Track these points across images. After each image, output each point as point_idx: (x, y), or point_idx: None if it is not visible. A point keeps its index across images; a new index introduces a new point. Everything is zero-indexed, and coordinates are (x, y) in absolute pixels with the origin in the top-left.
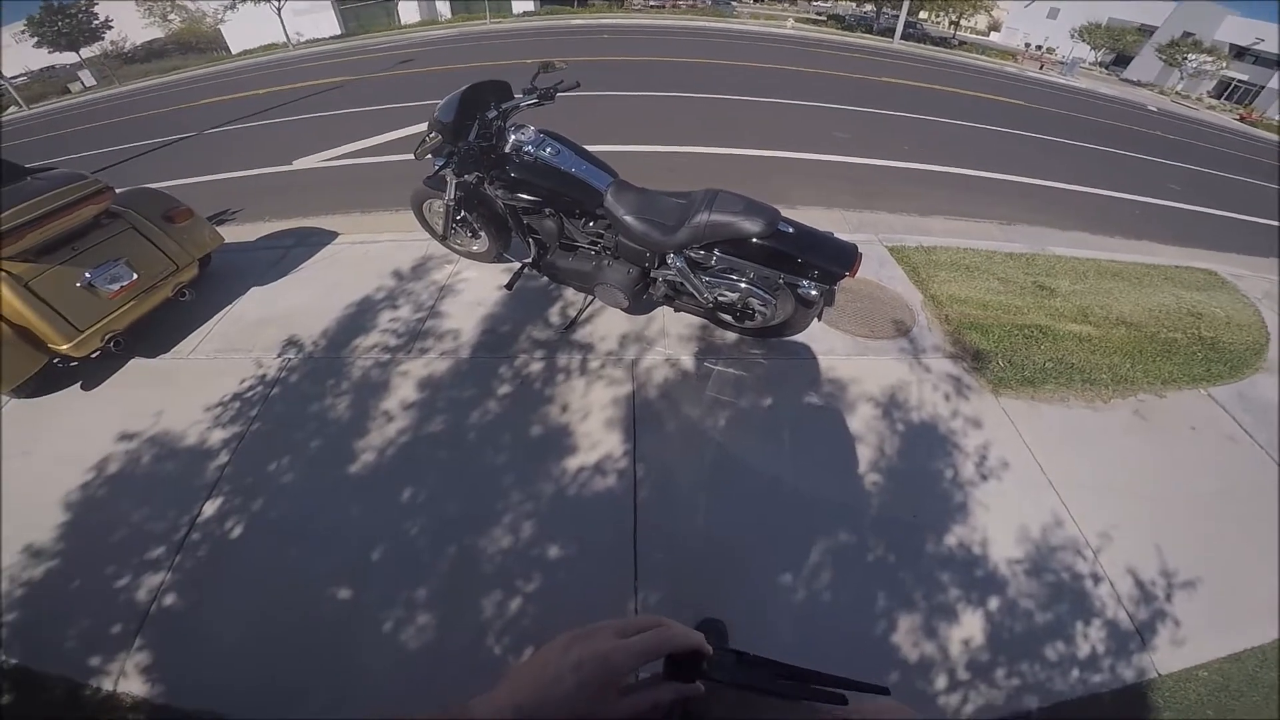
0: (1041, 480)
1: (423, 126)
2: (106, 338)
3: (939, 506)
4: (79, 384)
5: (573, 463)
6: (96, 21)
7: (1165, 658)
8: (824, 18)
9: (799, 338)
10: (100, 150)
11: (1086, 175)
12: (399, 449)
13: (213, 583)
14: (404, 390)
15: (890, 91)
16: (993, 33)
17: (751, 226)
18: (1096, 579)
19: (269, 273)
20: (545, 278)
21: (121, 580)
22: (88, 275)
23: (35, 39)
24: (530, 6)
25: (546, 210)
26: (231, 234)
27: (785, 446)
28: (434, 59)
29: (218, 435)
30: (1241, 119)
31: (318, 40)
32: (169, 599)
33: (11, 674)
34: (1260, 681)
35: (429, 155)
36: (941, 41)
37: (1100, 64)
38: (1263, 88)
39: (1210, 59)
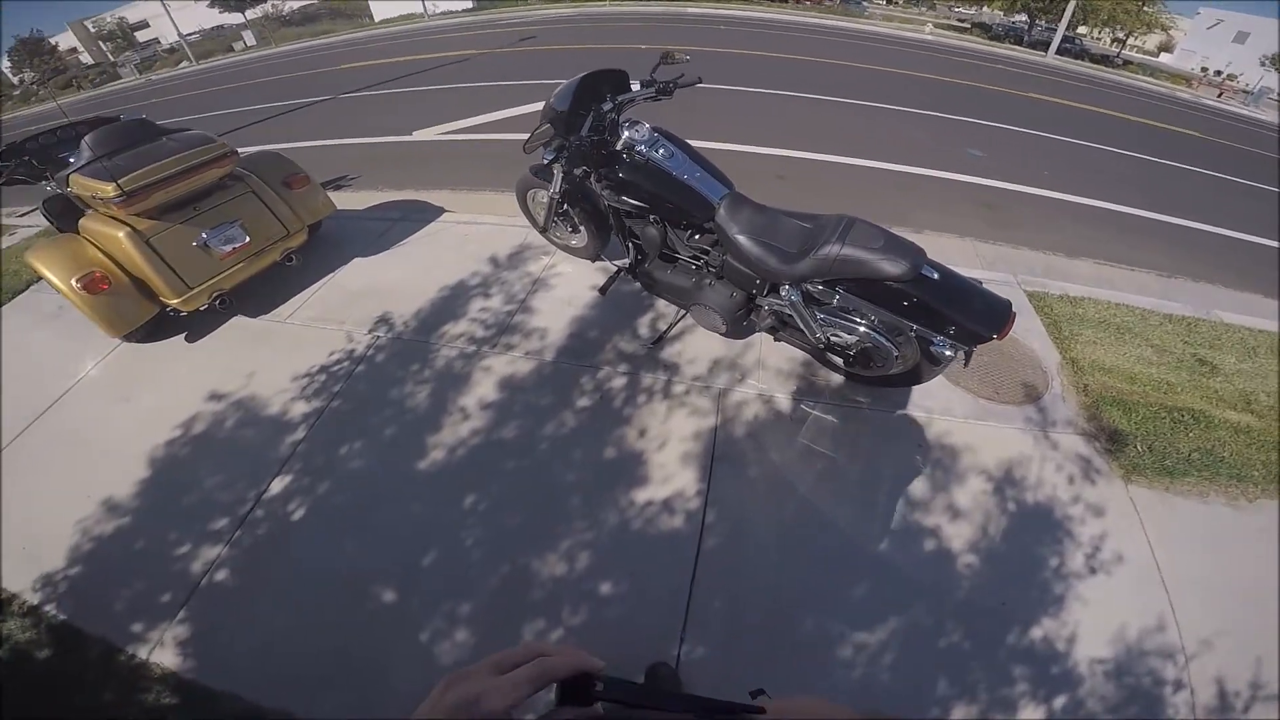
0: (1155, 578)
1: (535, 106)
2: (214, 296)
3: (1033, 596)
4: (184, 335)
5: (641, 495)
6: None
7: None
8: (967, 25)
9: (914, 390)
10: (248, 107)
11: (1268, 225)
12: (469, 450)
13: (265, 564)
14: (484, 388)
15: (1034, 109)
16: (1163, 54)
17: (891, 269)
18: (1178, 686)
19: (373, 244)
20: (639, 285)
21: (181, 548)
22: (204, 236)
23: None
24: None
25: (651, 217)
26: (344, 201)
27: (876, 511)
28: (554, 37)
29: (299, 408)
30: None
31: (450, 13)
32: (221, 574)
33: (57, 629)
34: None
35: (540, 147)
36: (1104, 60)
37: None
38: None
39: None
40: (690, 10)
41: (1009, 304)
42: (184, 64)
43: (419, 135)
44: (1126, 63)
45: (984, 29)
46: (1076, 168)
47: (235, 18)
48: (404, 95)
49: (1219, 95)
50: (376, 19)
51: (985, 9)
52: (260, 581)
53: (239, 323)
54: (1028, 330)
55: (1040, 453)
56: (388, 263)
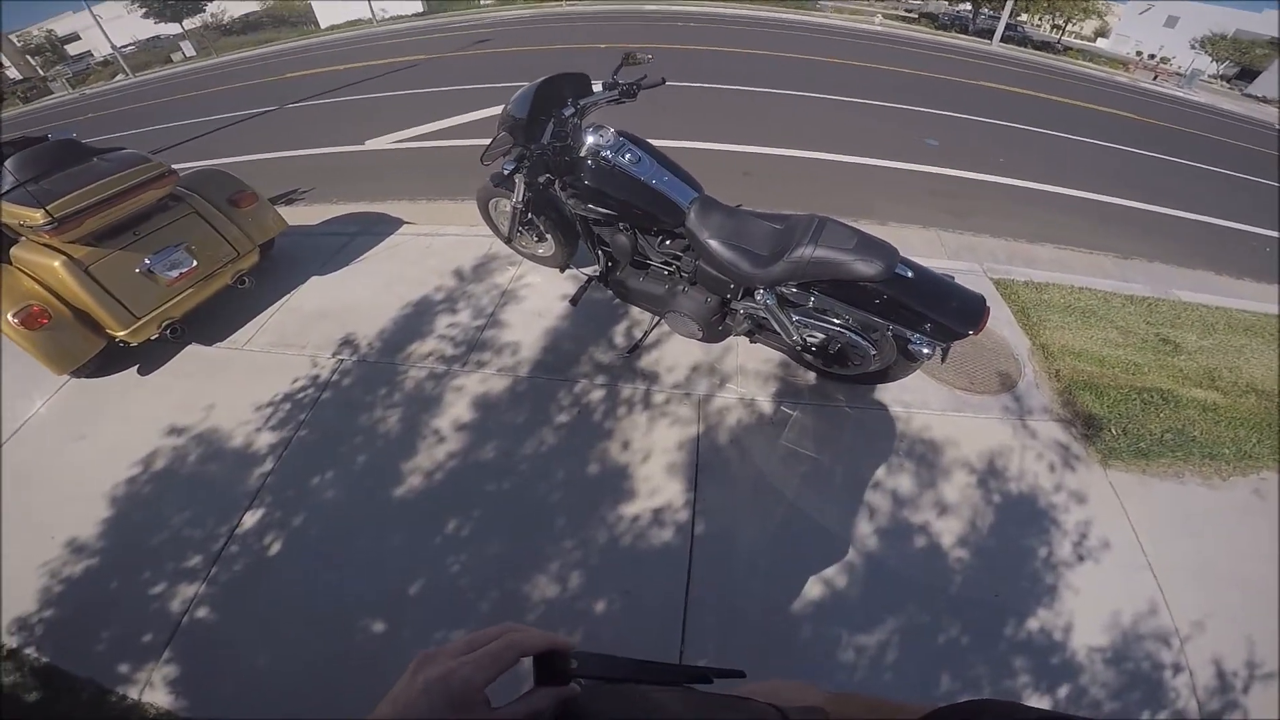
0: (1141, 562)
1: (493, 110)
2: (164, 325)
3: (1026, 587)
4: (136, 367)
5: (629, 509)
6: None
7: None
8: (915, 15)
9: (891, 386)
10: (188, 121)
11: (1210, 203)
12: (447, 474)
13: (247, 600)
14: (457, 408)
15: (985, 96)
16: (1100, 39)
17: (865, 269)
18: (1177, 669)
19: (330, 261)
20: (612, 293)
21: (157, 587)
22: (147, 262)
23: (144, 10)
24: None
25: (620, 224)
26: (296, 217)
27: (863, 510)
28: (510, 39)
29: (265, 439)
30: None
31: (400, 17)
32: (201, 611)
33: (42, 672)
34: None
35: (501, 157)
36: (1045, 46)
37: (1222, 77)
38: None
39: None
40: (648, 8)
41: (983, 299)
42: (119, 77)
43: (372, 144)
44: (1067, 49)
45: (931, 18)
46: (1029, 153)
47: (173, 28)
48: (354, 103)
49: (1154, 78)
50: (322, 25)
51: (931, 0)
52: (244, 617)
53: (194, 351)
54: (997, 319)
55: (1020, 441)
56: (347, 280)
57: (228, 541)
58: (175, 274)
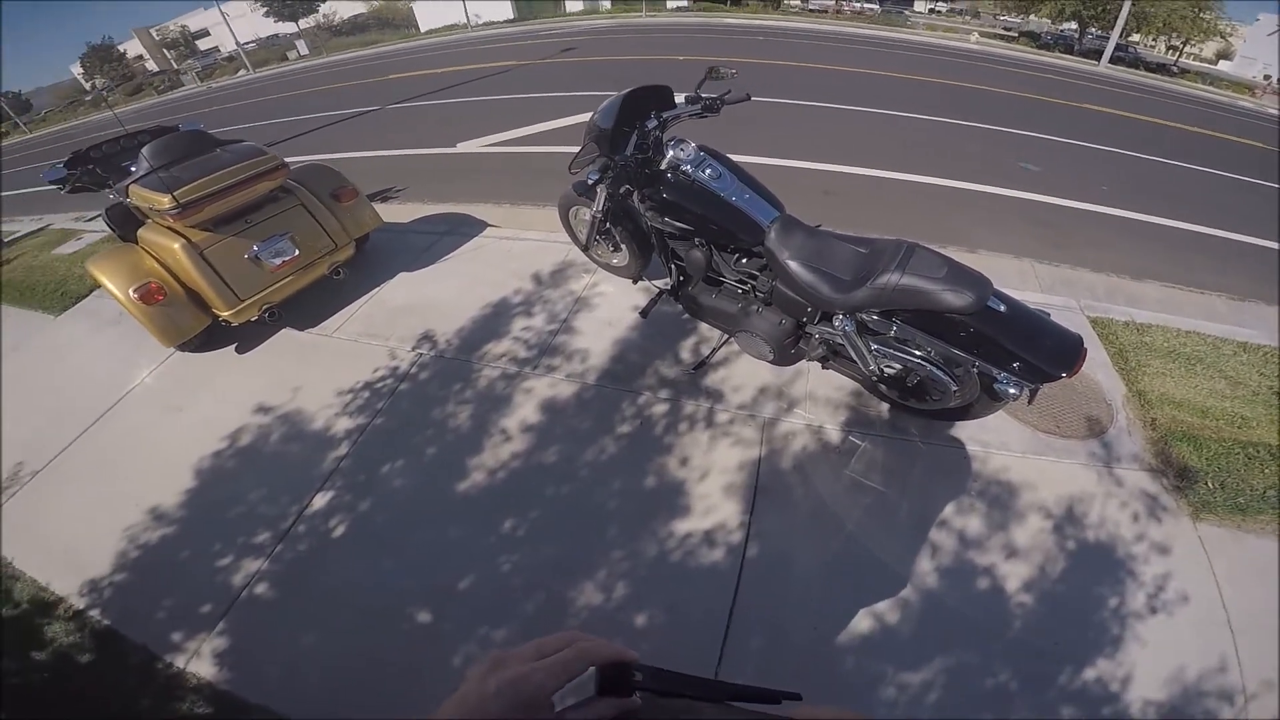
0: (1220, 618)
1: (577, 119)
2: (264, 309)
3: (1089, 636)
4: (234, 346)
5: (681, 526)
6: None
7: None
8: (1015, 34)
9: (969, 424)
10: (299, 116)
11: None
12: (509, 474)
13: (305, 581)
14: (525, 410)
15: (1090, 120)
16: (1222, 61)
17: (955, 300)
18: None
19: (418, 259)
20: (681, 308)
21: (223, 560)
22: (255, 249)
23: (265, 9)
24: (684, 2)
25: (696, 239)
26: (390, 214)
27: (927, 548)
28: (593, 49)
29: (343, 424)
30: None
31: (493, 23)
32: (260, 588)
33: (101, 634)
34: None
35: (586, 166)
36: (1160, 68)
37: None
38: None
39: None
40: (728, 21)
41: (1080, 340)
42: (241, 72)
43: (463, 147)
44: (1184, 71)
45: (1032, 38)
46: (1136, 182)
47: (289, 27)
48: (448, 106)
49: None
50: (422, 29)
51: (1032, 17)
52: (298, 597)
53: (287, 335)
54: (1092, 360)
55: (1104, 489)
56: (432, 278)
57: (296, 521)
58: (279, 261)
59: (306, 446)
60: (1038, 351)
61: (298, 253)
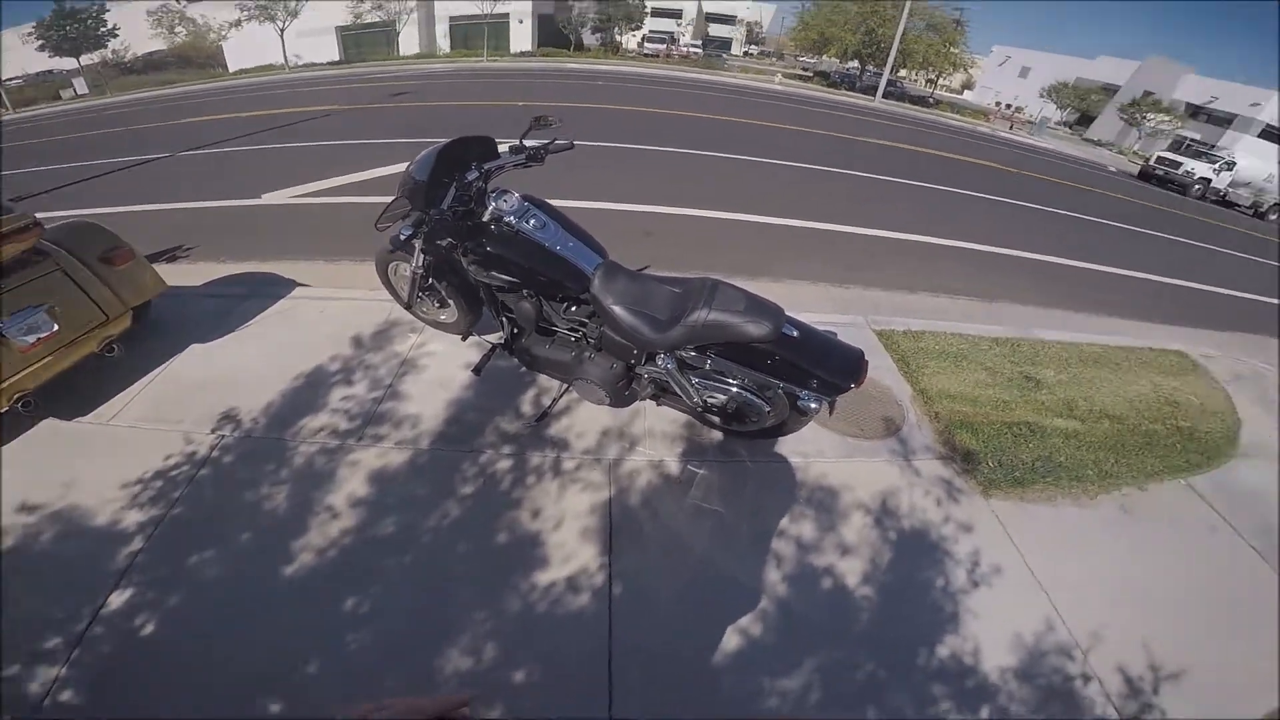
0: (1032, 583)
1: (404, 166)
2: (15, 398)
3: (932, 618)
4: None
5: (543, 577)
6: (104, 29)
7: None
8: (810, 74)
9: (788, 438)
10: (66, 164)
11: (1062, 245)
12: (342, 552)
13: (118, 684)
14: (352, 484)
15: (870, 152)
16: (966, 91)
17: (755, 330)
18: (1086, 679)
19: (214, 327)
20: (517, 361)
21: (9, 670)
22: (1, 325)
23: (40, 42)
24: (527, 46)
25: (524, 291)
26: (179, 276)
27: (773, 558)
28: (428, 93)
29: (133, 517)
30: None
31: (315, 65)
32: (65, 695)
33: None
34: None
35: (398, 220)
36: (920, 100)
37: (1065, 123)
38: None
39: (1167, 118)
40: (569, 66)
41: (861, 354)
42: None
43: (269, 198)
44: (938, 101)
45: (824, 76)
46: (906, 208)
47: (69, 62)
48: (256, 153)
49: (1010, 128)
50: (231, 69)
51: (824, 57)
52: (117, 699)
53: (51, 426)
54: (880, 367)
55: (908, 480)
56: (232, 348)
57: (92, 622)
58: (32, 339)
59: (89, 544)
60: (829, 368)
61: (57, 327)
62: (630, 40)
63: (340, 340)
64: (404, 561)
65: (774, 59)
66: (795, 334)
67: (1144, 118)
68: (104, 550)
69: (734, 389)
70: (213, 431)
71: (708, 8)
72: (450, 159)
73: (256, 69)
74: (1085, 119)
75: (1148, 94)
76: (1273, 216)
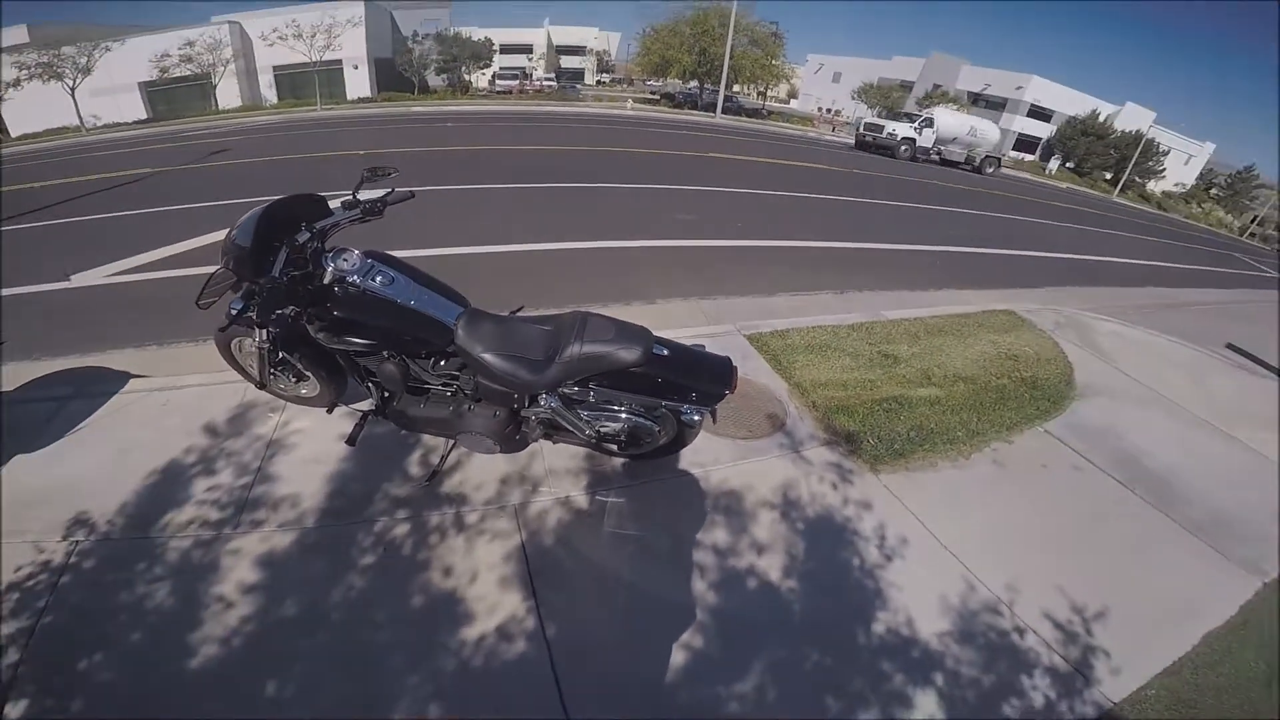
0: (938, 548)
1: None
2: None
3: (859, 597)
4: None
5: (470, 632)
6: None
7: (1112, 688)
8: (658, 96)
9: (685, 452)
10: None
11: (889, 232)
12: (246, 639)
13: None
14: (239, 572)
15: (717, 167)
16: (792, 100)
17: (627, 355)
18: (1021, 631)
19: (38, 435)
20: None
21: None
22: None
23: None
24: (367, 92)
25: (385, 353)
26: None
27: (697, 569)
28: (253, 148)
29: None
30: None
31: (119, 124)
32: None
33: None
34: (1205, 686)
35: (225, 294)
36: (755, 113)
37: None
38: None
39: (956, 106)
40: (415, 109)
41: (729, 360)
42: None
43: (80, 279)
44: (770, 113)
45: (669, 98)
46: (755, 216)
47: None
48: (56, 228)
49: (833, 130)
50: (13, 134)
51: (666, 79)
52: None
53: None
54: (755, 369)
55: (802, 471)
56: (65, 456)
57: None
58: None
59: None
60: (703, 379)
61: None
62: (481, 79)
63: (191, 431)
64: (319, 640)
65: (625, 85)
66: (666, 353)
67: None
68: None
69: (623, 415)
70: (65, 539)
71: (556, 39)
72: (276, 220)
73: (46, 132)
74: (894, 115)
75: (936, 86)
76: (989, 169)
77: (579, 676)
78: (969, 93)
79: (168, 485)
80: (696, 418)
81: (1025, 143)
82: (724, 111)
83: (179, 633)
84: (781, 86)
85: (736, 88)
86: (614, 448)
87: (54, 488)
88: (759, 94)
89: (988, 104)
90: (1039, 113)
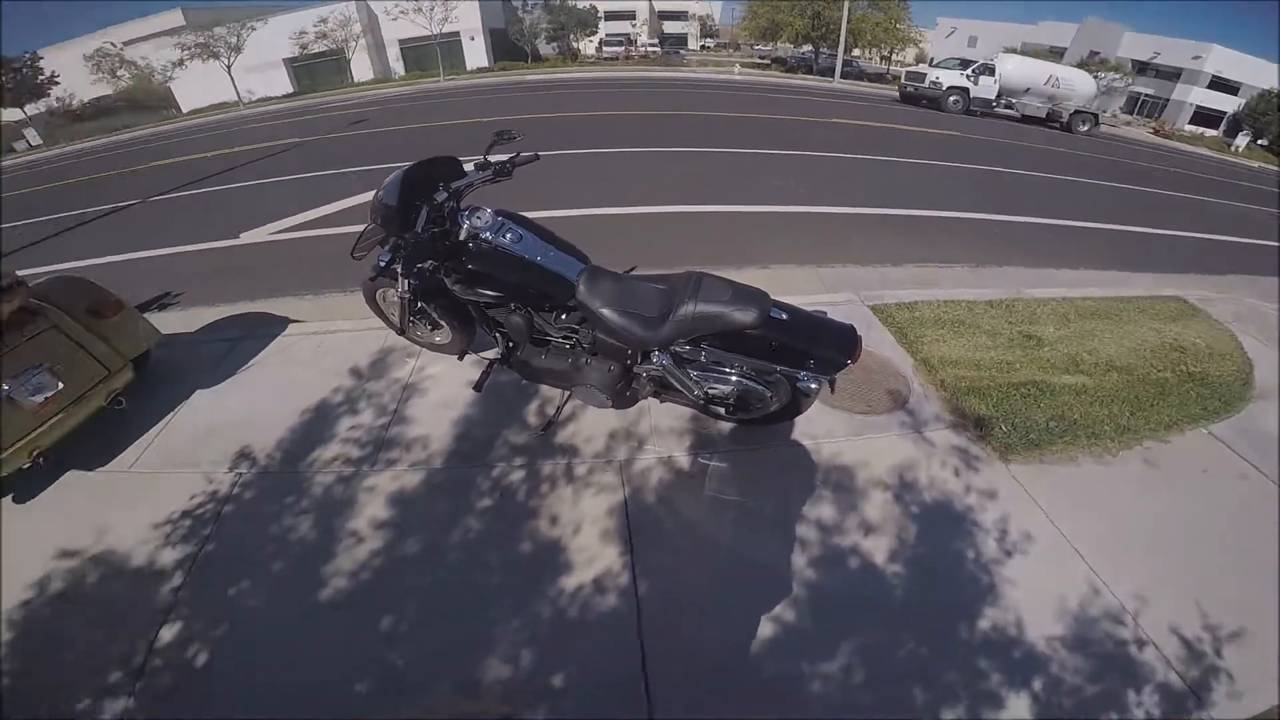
0: (1066, 548)
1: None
2: (34, 454)
3: (968, 590)
4: (10, 496)
5: (568, 581)
6: (42, 77)
7: (1225, 711)
8: (768, 61)
9: (797, 421)
10: (35, 219)
11: (1039, 205)
12: (375, 572)
13: (181, 711)
14: (373, 508)
15: (839, 132)
16: (920, 64)
17: (743, 317)
18: (1141, 644)
19: (215, 371)
20: (517, 374)
21: (81, 703)
22: (5, 387)
23: None
24: (484, 63)
25: (512, 304)
26: (171, 323)
27: (798, 542)
28: (388, 119)
29: (169, 556)
30: (1154, 132)
31: (270, 99)
32: None
33: None
34: None
35: (374, 248)
36: (878, 77)
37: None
38: (1168, 100)
39: (1118, 75)
40: (529, 78)
41: (853, 328)
42: None
43: (248, 237)
44: (896, 77)
45: (781, 62)
46: (885, 182)
47: (14, 114)
48: (226, 193)
49: None
50: (185, 110)
51: (776, 45)
52: None
53: (75, 477)
54: (879, 341)
55: (923, 452)
56: (236, 390)
57: (148, 656)
58: (40, 399)
59: (132, 583)
60: (823, 346)
61: (62, 385)
62: (588, 46)
63: (340, 372)
64: (434, 578)
65: (730, 50)
66: (784, 317)
67: (1096, 76)
68: (147, 588)
69: (733, 378)
70: (230, 470)
71: (659, 6)
72: (417, 181)
73: (210, 108)
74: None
75: (1094, 53)
76: (1081, 127)
77: (663, 636)
78: (1133, 61)
79: (318, 422)
80: (814, 386)
81: (1205, 116)
82: (844, 76)
83: (315, 566)
84: (908, 50)
85: (856, 52)
86: (721, 411)
87: (225, 421)
88: (882, 58)
89: (1157, 73)
90: (1222, 84)
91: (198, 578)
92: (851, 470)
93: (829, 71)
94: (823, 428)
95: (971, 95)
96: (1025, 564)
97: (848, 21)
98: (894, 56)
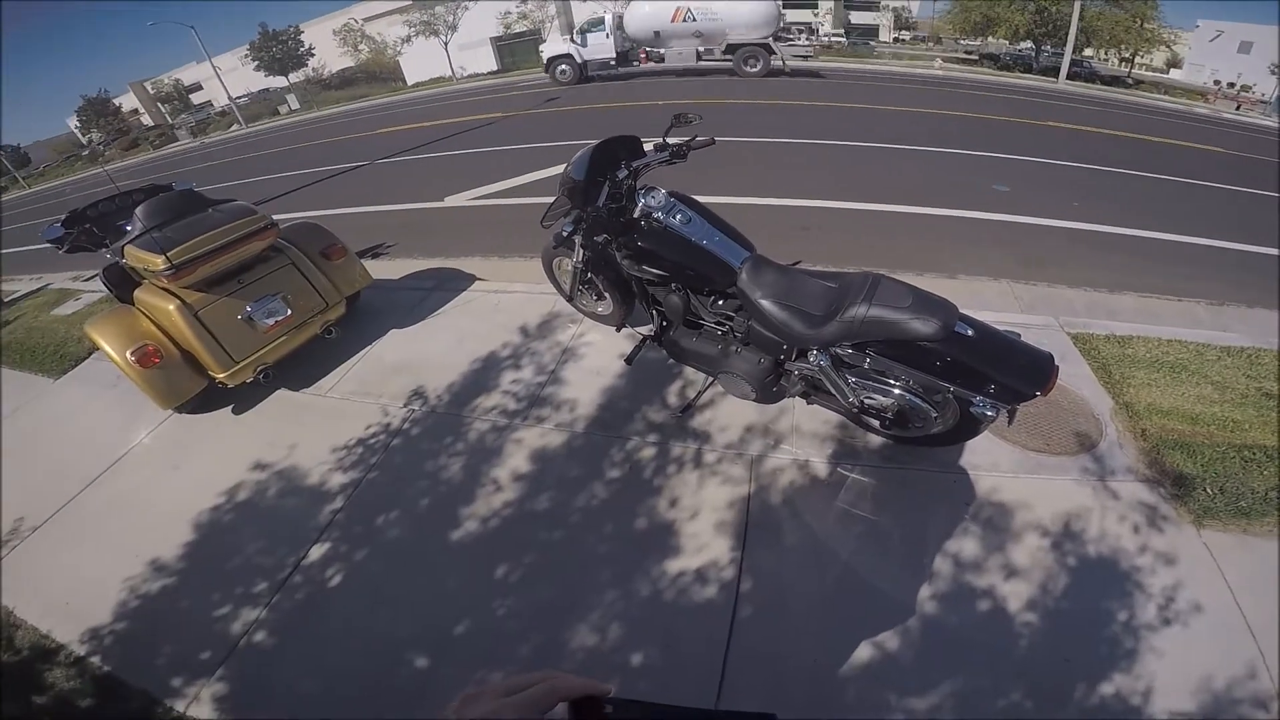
0: (1239, 625)
1: (560, 169)
2: (258, 370)
3: (1102, 651)
4: (231, 407)
5: (674, 565)
6: (302, 49)
7: None
8: (975, 57)
9: (956, 447)
10: (288, 173)
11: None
12: (502, 522)
13: (302, 629)
14: (516, 460)
15: (1054, 137)
16: (1173, 70)
17: (922, 328)
18: None
19: (409, 315)
20: (666, 353)
21: (222, 609)
22: (249, 309)
23: (255, 63)
24: None
25: (673, 284)
26: (380, 270)
27: (924, 573)
28: (576, 98)
29: (337, 479)
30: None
31: (478, 75)
32: (259, 636)
33: (101, 679)
34: None
35: (559, 218)
36: (1114, 80)
37: None
38: None
39: None
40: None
41: (1051, 357)
42: (234, 127)
43: (451, 201)
44: (1138, 82)
45: (992, 59)
46: (1104, 196)
47: (279, 81)
48: (436, 160)
49: (1237, 108)
50: (409, 82)
51: (990, 39)
52: (296, 645)
53: (281, 395)
54: (1076, 376)
55: (1100, 503)
56: (422, 334)
57: (293, 571)
58: (272, 321)
59: (302, 501)
60: (1010, 372)
61: (290, 312)
62: None
63: (511, 329)
64: (554, 537)
65: (930, 44)
66: (970, 333)
67: None
68: (313, 507)
69: (896, 391)
70: (405, 406)
71: None
72: (602, 159)
73: (430, 82)
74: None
75: None
76: (751, 67)
77: (753, 638)
78: None
79: (485, 372)
80: (990, 413)
81: None
82: (1070, 77)
83: (453, 507)
84: (1157, 54)
85: (1088, 51)
86: (876, 423)
87: (408, 360)
88: (1121, 60)
89: None
90: None
91: (355, 504)
92: (1008, 509)
93: (1050, 71)
94: (986, 459)
95: (583, 60)
96: (1183, 635)
97: (1080, 20)
98: (1137, 59)
